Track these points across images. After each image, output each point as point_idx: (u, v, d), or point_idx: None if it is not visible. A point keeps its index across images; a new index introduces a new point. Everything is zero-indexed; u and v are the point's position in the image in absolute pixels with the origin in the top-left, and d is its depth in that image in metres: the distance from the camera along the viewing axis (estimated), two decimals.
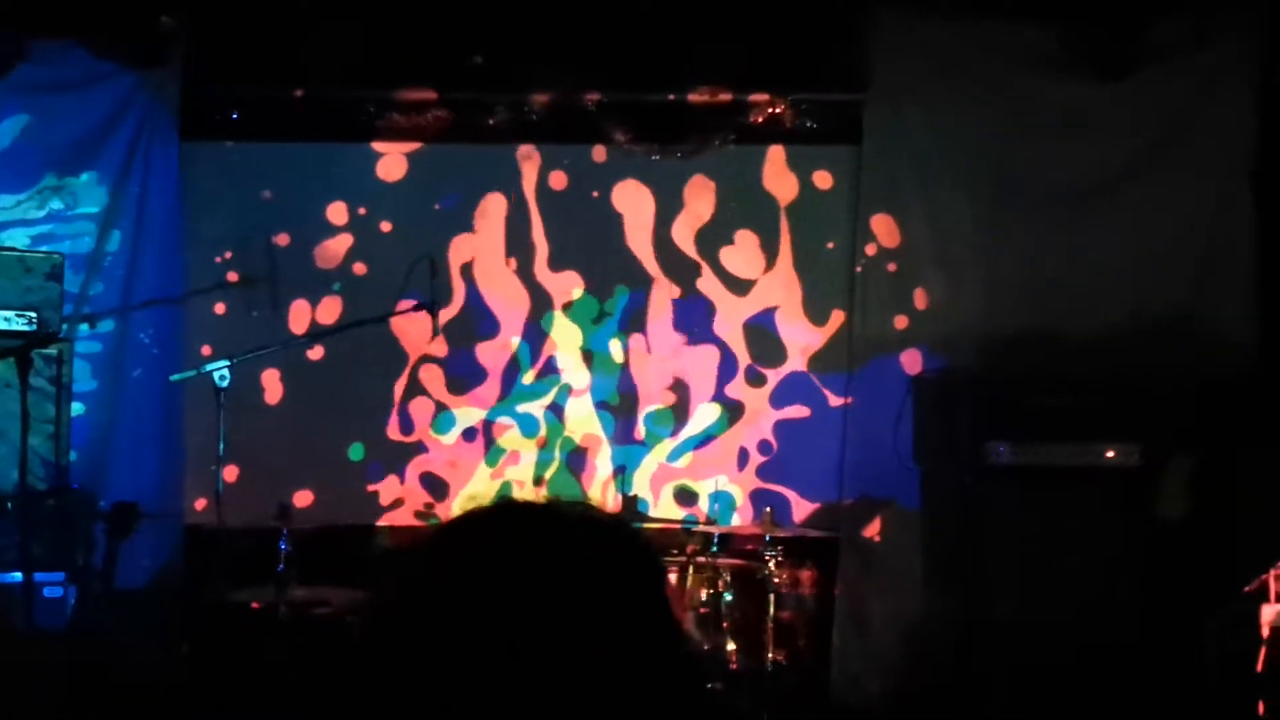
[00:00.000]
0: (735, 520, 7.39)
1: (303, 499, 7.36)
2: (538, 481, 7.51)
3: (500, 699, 1.34)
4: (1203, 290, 7.26)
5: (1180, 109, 7.31)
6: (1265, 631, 5.59)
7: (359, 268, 7.56)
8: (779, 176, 7.59)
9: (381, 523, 7.48)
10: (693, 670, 1.48)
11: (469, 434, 7.55)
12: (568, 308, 7.58)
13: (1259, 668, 5.59)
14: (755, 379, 7.56)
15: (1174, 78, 7.28)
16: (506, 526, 1.48)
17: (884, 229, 7.41)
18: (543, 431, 7.56)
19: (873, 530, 7.33)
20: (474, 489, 7.51)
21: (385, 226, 7.56)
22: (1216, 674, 6.19)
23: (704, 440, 7.55)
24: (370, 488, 7.51)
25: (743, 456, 7.54)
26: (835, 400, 7.49)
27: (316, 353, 7.43)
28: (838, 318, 7.51)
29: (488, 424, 7.55)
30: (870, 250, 7.41)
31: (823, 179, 7.60)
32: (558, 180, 7.61)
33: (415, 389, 7.54)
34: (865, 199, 7.43)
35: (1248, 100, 7.24)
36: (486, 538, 1.46)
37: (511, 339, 7.57)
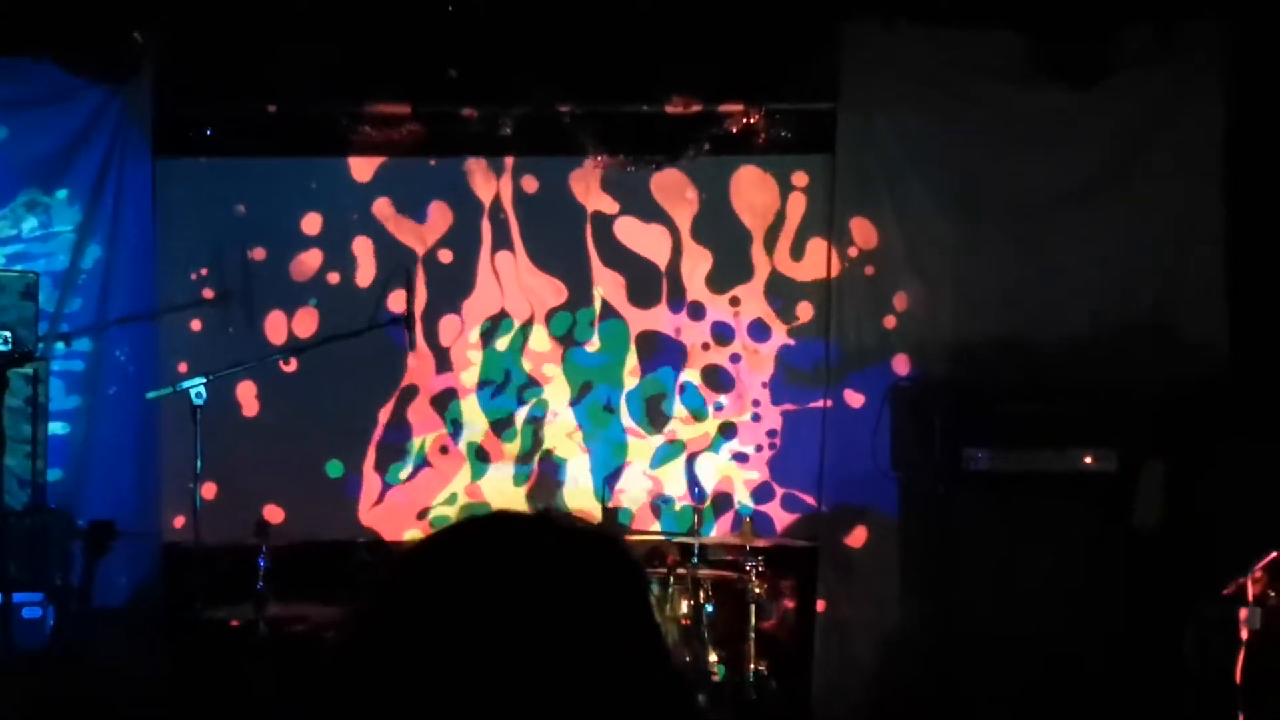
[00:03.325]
0: (715, 529, 7.40)
1: (281, 515, 7.33)
2: (515, 494, 7.50)
3: (485, 710, 1.34)
4: (1173, 294, 7.31)
5: (1148, 117, 7.36)
6: (1245, 634, 5.61)
7: (334, 280, 7.54)
8: (755, 185, 7.61)
9: (360, 538, 7.46)
10: (678, 684, 1.49)
11: (446, 447, 7.54)
12: (546, 319, 7.58)
13: (1238, 672, 5.61)
14: (733, 388, 7.56)
15: (1141, 86, 7.33)
16: (497, 536, 1.48)
17: (861, 236, 7.43)
18: (520, 443, 7.55)
19: (852, 539, 7.34)
20: (452, 503, 7.50)
21: (360, 240, 7.55)
22: (1195, 678, 6.21)
23: (683, 450, 7.55)
24: (348, 502, 7.49)
25: (722, 464, 7.55)
26: (813, 408, 7.50)
27: (293, 366, 7.40)
28: (816, 325, 7.53)
29: (465, 436, 7.54)
30: (849, 257, 7.42)
31: (799, 186, 7.61)
32: (533, 192, 7.61)
33: (392, 402, 7.53)
34: (840, 208, 7.45)
35: (1215, 107, 7.29)
36: (476, 547, 1.46)
37: (489, 350, 7.57)
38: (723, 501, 7.52)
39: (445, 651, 1.37)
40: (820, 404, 7.47)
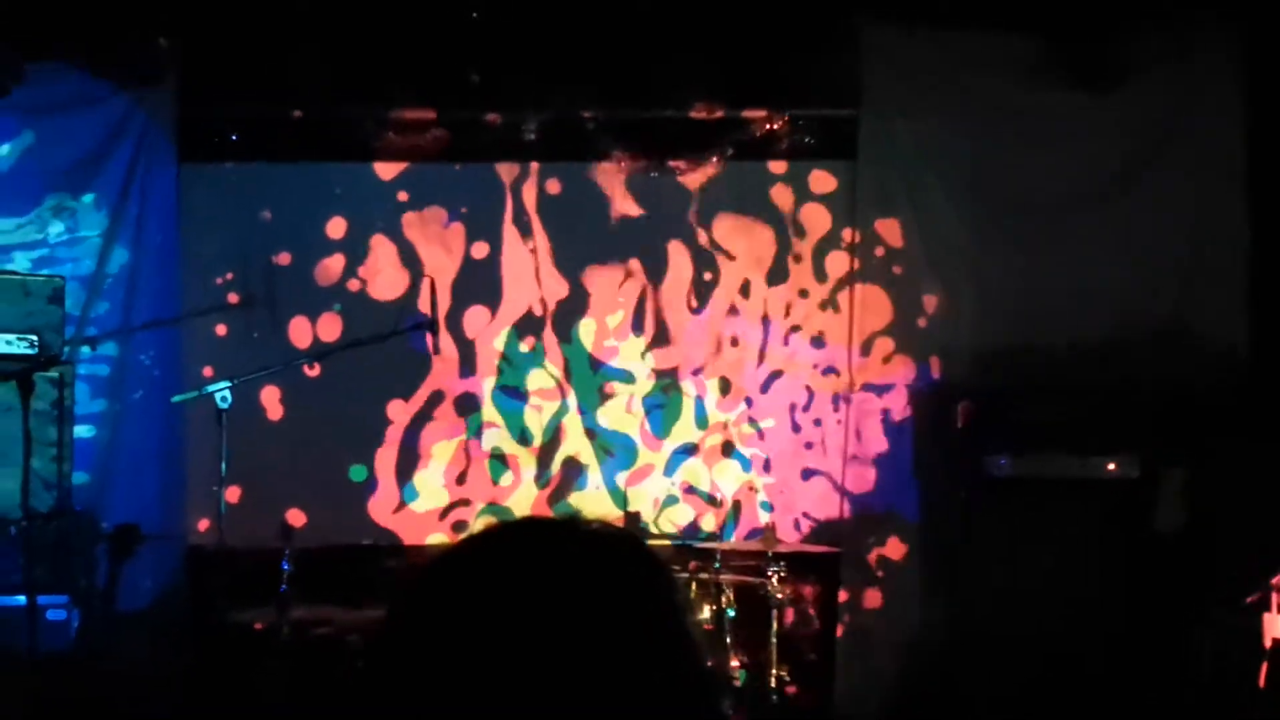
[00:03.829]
0: (737, 533, 7.40)
1: (304, 519, 7.35)
2: (536, 497, 7.50)
3: (515, 712, 1.35)
4: (1192, 297, 7.28)
5: (1165, 118, 7.33)
6: (1268, 643, 5.58)
7: (358, 286, 7.56)
8: (778, 190, 7.60)
9: (383, 542, 7.47)
10: (707, 686, 1.50)
11: (468, 450, 7.55)
12: (569, 323, 7.58)
13: (1260, 682, 5.57)
14: (755, 391, 7.56)
15: (1158, 88, 7.32)
16: (526, 542, 1.49)
17: (884, 241, 7.43)
18: (541, 447, 7.56)
19: (874, 544, 7.33)
20: (474, 507, 7.51)
21: (385, 245, 7.57)
22: (1212, 685, 6.18)
23: (704, 453, 7.54)
24: (372, 506, 7.51)
25: (744, 469, 7.54)
26: (836, 412, 7.49)
27: (317, 371, 7.42)
28: (838, 329, 7.51)
29: (487, 440, 7.55)
30: (873, 259, 7.41)
31: (821, 192, 7.61)
32: (557, 197, 7.62)
33: (415, 406, 7.54)
34: (863, 212, 7.45)
35: (1233, 108, 7.27)
36: (506, 553, 1.47)
37: (512, 354, 7.58)
38: (745, 506, 7.51)
39: (476, 656, 1.38)
40: (844, 408, 7.45)
